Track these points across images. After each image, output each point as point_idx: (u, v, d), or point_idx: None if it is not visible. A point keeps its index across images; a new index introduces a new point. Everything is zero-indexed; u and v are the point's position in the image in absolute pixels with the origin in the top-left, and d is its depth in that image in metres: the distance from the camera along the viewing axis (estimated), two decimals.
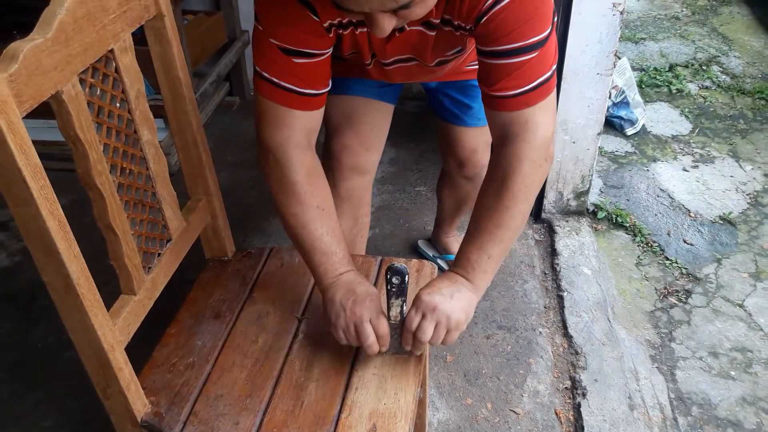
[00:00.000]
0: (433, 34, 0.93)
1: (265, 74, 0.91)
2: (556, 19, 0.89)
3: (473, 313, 0.92)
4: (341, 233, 0.96)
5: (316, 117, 0.96)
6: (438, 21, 0.91)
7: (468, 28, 0.89)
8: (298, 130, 0.93)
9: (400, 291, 0.86)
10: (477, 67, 0.93)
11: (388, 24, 0.77)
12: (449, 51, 0.99)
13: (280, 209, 0.95)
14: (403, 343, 0.89)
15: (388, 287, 0.86)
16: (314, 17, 0.88)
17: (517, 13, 0.84)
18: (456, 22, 0.90)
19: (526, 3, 0.84)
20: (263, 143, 0.95)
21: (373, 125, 1.25)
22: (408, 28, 0.93)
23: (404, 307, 0.88)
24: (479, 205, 0.93)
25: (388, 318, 0.88)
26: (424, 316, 0.87)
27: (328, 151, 1.25)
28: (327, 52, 0.93)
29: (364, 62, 1.04)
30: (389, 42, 0.95)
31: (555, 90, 0.92)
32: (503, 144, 0.91)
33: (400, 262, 0.87)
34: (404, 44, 0.96)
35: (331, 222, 0.95)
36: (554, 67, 0.90)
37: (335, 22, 0.91)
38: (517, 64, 0.87)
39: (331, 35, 0.92)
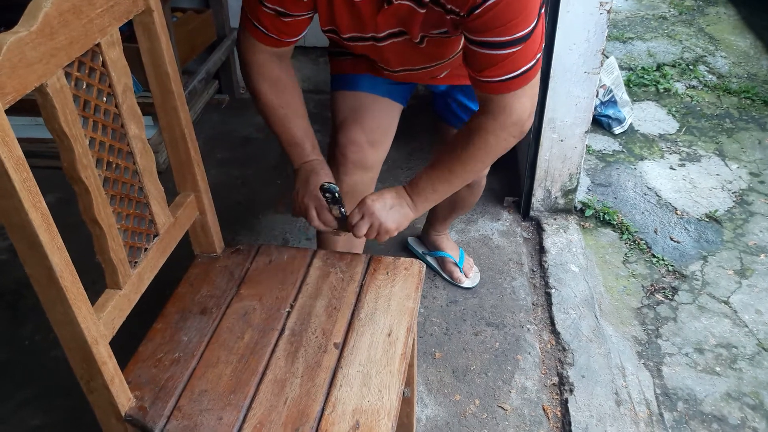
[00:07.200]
0: (423, 11, 0.96)
1: (244, 6, 1.06)
2: (542, 11, 0.93)
3: (406, 224, 1.10)
4: (306, 125, 1.15)
5: (283, 49, 1.11)
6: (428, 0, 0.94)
7: (460, 14, 0.92)
8: (266, 53, 1.10)
9: (334, 201, 1.07)
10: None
11: None
12: (435, 30, 1.02)
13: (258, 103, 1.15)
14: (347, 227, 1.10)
15: (326, 200, 1.08)
16: None
17: (508, 9, 0.88)
18: (449, 6, 0.93)
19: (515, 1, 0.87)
20: (239, 53, 1.14)
21: (380, 122, 1.27)
22: (396, 2, 0.95)
23: (342, 209, 1.08)
24: (446, 148, 1.07)
25: (331, 212, 1.10)
26: (362, 217, 1.06)
27: (335, 144, 1.27)
28: (297, 16, 1.03)
29: (364, 36, 1.06)
30: (379, 14, 0.98)
31: (539, 73, 0.99)
32: (481, 113, 1.01)
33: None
34: (393, 16, 0.99)
35: (296, 119, 1.13)
36: (539, 54, 0.96)
37: None
38: (504, 55, 0.93)
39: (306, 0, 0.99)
